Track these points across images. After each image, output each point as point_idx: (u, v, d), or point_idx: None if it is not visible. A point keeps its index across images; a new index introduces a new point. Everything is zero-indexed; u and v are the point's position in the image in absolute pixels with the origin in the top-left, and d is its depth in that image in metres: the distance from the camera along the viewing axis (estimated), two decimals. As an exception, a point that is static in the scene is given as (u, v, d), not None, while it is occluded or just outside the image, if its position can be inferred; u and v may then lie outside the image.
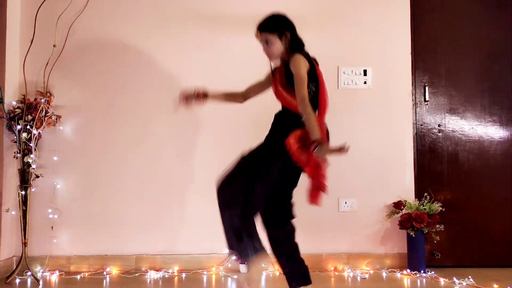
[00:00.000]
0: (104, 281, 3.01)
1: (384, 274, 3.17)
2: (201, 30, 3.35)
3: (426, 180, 3.42)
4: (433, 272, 3.15)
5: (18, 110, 3.08)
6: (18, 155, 3.06)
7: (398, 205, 3.25)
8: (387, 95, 3.40)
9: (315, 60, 2.45)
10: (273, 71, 2.49)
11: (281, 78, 2.38)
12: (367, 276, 3.12)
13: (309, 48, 3.34)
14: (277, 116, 2.44)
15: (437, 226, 3.16)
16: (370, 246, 3.33)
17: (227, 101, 2.69)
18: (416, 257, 3.19)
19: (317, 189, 2.36)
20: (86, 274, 3.14)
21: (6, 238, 3.12)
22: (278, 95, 2.42)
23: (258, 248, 2.29)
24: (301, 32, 3.34)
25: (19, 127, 3.05)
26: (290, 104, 2.34)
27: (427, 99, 3.46)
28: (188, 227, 3.28)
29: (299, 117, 2.25)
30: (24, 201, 3.05)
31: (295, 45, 2.40)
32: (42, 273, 3.11)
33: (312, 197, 2.38)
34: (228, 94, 2.67)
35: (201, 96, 2.59)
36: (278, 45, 2.37)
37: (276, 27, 2.38)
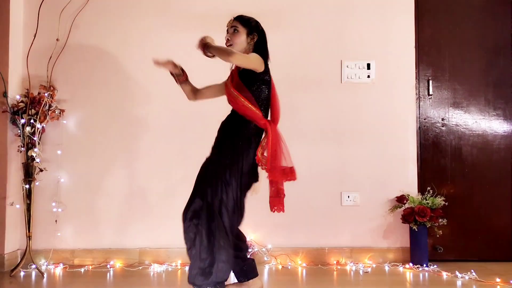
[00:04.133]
0: (108, 274, 3.03)
1: (386, 268, 3.18)
2: (205, 25, 3.34)
3: (429, 174, 3.41)
4: (435, 266, 3.15)
5: (21, 104, 3.09)
6: (22, 149, 3.08)
7: (401, 199, 3.25)
8: (390, 89, 3.39)
9: None
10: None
11: (234, 79, 2.42)
12: (369, 270, 3.12)
13: (313, 42, 3.37)
14: (225, 123, 2.46)
15: (440, 220, 3.16)
16: (372, 240, 3.34)
17: (190, 91, 2.65)
18: (419, 251, 3.20)
19: (278, 195, 2.41)
20: (90, 267, 3.16)
21: (11, 232, 3.14)
22: (231, 98, 2.44)
23: None
24: (305, 26, 3.37)
25: (22, 121, 3.06)
26: (243, 108, 2.37)
27: (431, 93, 3.45)
28: (191, 221, 3.29)
29: (249, 124, 2.37)
30: (28, 194, 3.07)
31: (258, 50, 2.44)
32: (47, 266, 3.14)
33: (277, 203, 2.42)
34: (192, 87, 2.65)
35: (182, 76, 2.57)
36: (242, 38, 2.44)
37: (249, 24, 2.46)
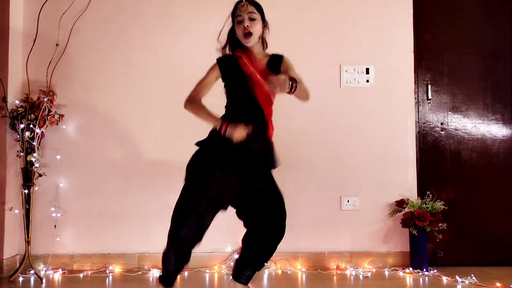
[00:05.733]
0: (107, 279, 3.02)
1: (386, 273, 3.17)
2: (206, 29, 3.35)
3: (428, 179, 3.41)
4: (435, 271, 3.14)
5: (21, 109, 3.09)
6: (21, 154, 3.08)
7: (401, 203, 3.25)
8: (389, 94, 3.40)
9: None
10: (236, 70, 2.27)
11: (268, 75, 2.13)
12: (369, 274, 3.12)
13: (312, 46, 3.38)
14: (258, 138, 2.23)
15: (440, 224, 3.15)
16: (372, 245, 3.33)
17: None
18: (419, 256, 3.19)
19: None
20: (89, 272, 3.15)
21: (9, 237, 3.13)
22: (268, 100, 2.25)
23: None
24: (305, 30, 3.37)
25: (22, 126, 3.06)
26: (271, 107, 2.28)
27: (429, 97, 3.45)
28: (190, 226, 3.28)
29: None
30: (27, 199, 3.06)
31: (265, 42, 2.32)
32: (45, 271, 3.13)
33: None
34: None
35: None
36: (259, 27, 2.23)
37: (262, 11, 2.28)
